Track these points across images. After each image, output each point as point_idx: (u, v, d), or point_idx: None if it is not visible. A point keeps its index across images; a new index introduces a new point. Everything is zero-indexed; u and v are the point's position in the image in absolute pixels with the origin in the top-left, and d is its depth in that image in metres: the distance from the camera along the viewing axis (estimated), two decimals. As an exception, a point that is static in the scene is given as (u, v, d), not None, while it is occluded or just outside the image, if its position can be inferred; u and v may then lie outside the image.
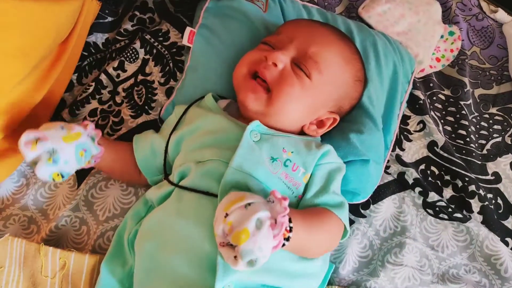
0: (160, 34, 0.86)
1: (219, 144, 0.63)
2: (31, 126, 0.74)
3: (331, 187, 0.63)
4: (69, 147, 0.60)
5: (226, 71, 0.74)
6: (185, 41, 0.79)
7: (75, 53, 0.82)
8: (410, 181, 0.79)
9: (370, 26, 0.91)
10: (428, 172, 0.82)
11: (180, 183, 0.61)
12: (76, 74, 0.85)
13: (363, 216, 0.76)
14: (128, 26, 0.88)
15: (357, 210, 0.76)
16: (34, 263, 0.66)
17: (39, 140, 0.58)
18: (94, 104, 0.81)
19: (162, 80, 0.83)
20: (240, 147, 0.60)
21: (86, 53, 0.86)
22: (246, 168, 0.58)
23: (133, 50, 0.84)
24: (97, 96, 0.82)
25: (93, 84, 0.81)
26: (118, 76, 0.83)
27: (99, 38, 0.88)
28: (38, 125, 0.76)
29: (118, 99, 0.82)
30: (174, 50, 0.85)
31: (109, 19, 0.89)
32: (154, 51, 0.85)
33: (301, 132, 0.70)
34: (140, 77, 0.83)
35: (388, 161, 0.81)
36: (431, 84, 0.89)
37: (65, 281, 0.66)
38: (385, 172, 0.80)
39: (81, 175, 0.75)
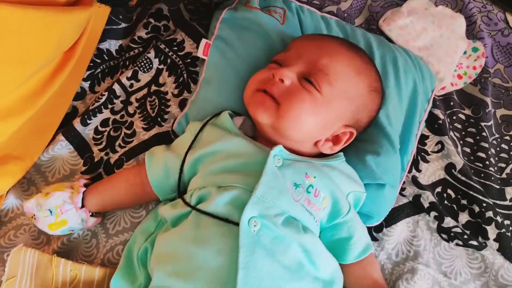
0: (174, 43, 0.85)
1: (241, 170, 0.62)
2: (38, 133, 0.75)
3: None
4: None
5: (240, 85, 0.73)
6: (200, 53, 0.78)
7: (83, 60, 0.82)
8: (426, 205, 0.77)
9: (390, 40, 0.89)
10: (445, 195, 0.80)
11: (198, 206, 0.61)
12: (88, 82, 0.84)
13: (375, 240, 0.75)
14: (142, 33, 0.87)
15: (369, 233, 0.75)
16: (46, 274, 0.67)
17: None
18: (106, 113, 0.81)
19: (175, 92, 0.82)
20: (264, 174, 0.59)
21: (99, 60, 0.86)
22: (269, 197, 0.58)
23: (147, 60, 0.83)
24: (110, 106, 0.81)
25: (106, 93, 0.81)
26: (131, 86, 0.82)
27: (113, 45, 0.87)
28: (44, 133, 0.77)
29: (130, 109, 0.82)
30: (189, 60, 0.84)
31: (123, 25, 0.88)
32: (169, 61, 0.84)
33: (321, 154, 0.69)
34: (153, 88, 0.83)
35: (404, 182, 0.80)
36: (452, 103, 0.87)
37: (75, 293, 0.67)
38: (400, 194, 0.79)
39: (92, 187, 0.76)
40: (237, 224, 0.56)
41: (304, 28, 0.84)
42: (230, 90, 0.76)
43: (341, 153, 0.70)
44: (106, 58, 0.87)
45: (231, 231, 0.56)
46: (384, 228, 0.76)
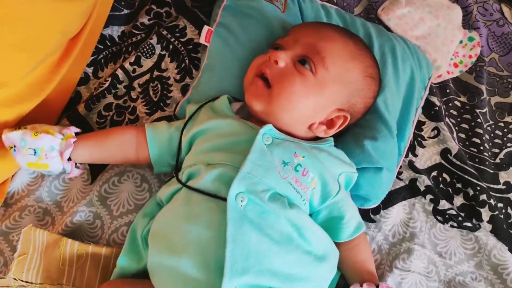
0: (177, 30, 0.87)
1: (230, 148, 0.64)
2: (43, 118, 0.77)
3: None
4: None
5: (242, 71, 0.75)
6: (202, 40, 0.80)
7: (88, 46, 0.83)
8: (422, 188, 0.80)
9: (388, 29, 0.91)
10: (440, 179, 0.83)
11: (188, 183, 0.63)
12: (92, 68, 0.86)
13: (373, 221, 0.78)
14: (144, 20, 0.88)
15: (367, 215, 0.78)
16: (53, 253, 0.69)
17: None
18: (109, 98, 0.83)
19: (177, 77, 0.84)
20: (252, 151, 0.61)
21: (101, 46, 0.87)
22: (256, 174, 0.60)
23: (150, 46, 0.85)
24: (113, 91, 0.83)
25: (109, 79, 0.82)
26: (134, 71, 0.84)
27: (115, 31, 0.89)
28: (49, 117, 0.78)
29: (133, 94, 0.84)
30: (191, 46, 0.86)
31: (125, 11, 0.90)
32: (171, 47, 0.86)
33: (314, 138, 0.71)
34: (156, 73, 0.85)
35: (401, 166, 0.82)
36: (448, 90, 0.90)
37: (82, 272, 0.69)
38: (397, 177, 0.81)
39: (95, 170, 0.77)
40: (225, 199, 0.58)
41: (305, 16, 0.86)
42: (231, 77, 0.78)
43: (331, 138, 0.72)
44: (108, 44, 0.88)
45: (219, 206, 0.58)
46: (382, 210, 0.78)
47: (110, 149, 0.72)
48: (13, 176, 0.76)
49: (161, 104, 0.83)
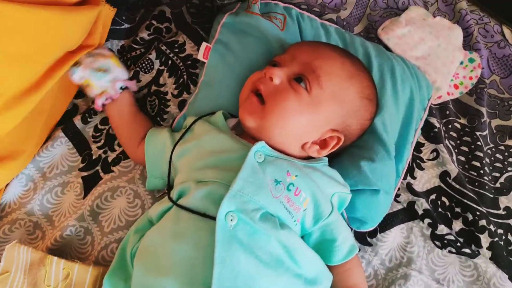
0: (176, 45, 0.87)
1: (222, 165, 0.63)
2: (36, 128, 0.77)
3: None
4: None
5: (239, 88, 0.75)
6: (200, 56, 0.80)
7: None
8: (420, 212, 0.79)
9: (388, 48, 0.91)
10: (439, 202, 0.82)
11: (178, 201, 0.62)
12: (89, 81, 0.86)
13: (369, 245, 0.76)
14: (144, 35, 0.89)
15: (363, 238, 0.76)
16: (38, 271, 0.68)
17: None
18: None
19: (175, 92, 0.84)
20: (243, 168, 0.60)
21: (101, 60, 0.87)
22: (247, 192, 0.58)
23: (148, 61, 0.85)
24: (110, 106, 0.83)
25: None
26: (132, 86, 0.84)
27: (115, 45, 0.89)
28: (43, 128, 0.78)
29: (130, 108, 0.83)
30: (189, 62, 0.86)
31: (126, 25, 0.90)
32: (169, 62, 0.86)
33: (307, 157, 0.70)
34: (153, 88, 0.84)
35: (399, 189, 0.81)
36: (448, 112, 0.89)
37: (67, 291, 0.68)
38: (395, 200, 0.80)
39: (88, 184, 0.77)
40: (214, 218, 0.56)
41: (304, 35, 0.86)
42: (228, 93, 0.77)
43: (325, 158, 0.71)
44: (107, 58, 0.88)
45: (208, 226, 0.56)
46: (378, 234, 0.77)
47: (129, 125, 0.78)
48: (6, 187, 0.76)
49: (158, 118, 0.82)
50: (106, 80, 0.76)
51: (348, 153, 0.76)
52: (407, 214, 0.79)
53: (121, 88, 0.78)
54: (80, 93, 0.85)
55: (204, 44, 0.81)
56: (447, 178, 0.82)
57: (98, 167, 0.79)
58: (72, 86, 0.83)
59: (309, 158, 0.70)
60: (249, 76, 0.72)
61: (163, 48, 0.86)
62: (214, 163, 0.64)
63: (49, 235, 0.73)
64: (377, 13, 0.97)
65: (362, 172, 0.73)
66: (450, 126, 0.88)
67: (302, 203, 0.62)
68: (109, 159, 0.79)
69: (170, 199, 0.64)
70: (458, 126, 0.89)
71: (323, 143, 0.68)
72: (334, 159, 0.74)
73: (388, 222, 0.78)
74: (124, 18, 0.90)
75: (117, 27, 0.89)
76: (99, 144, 0.81)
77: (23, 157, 0.76)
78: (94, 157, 0.80)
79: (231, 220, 0.56)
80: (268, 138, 0.66)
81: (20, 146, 0.74)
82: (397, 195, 0.81)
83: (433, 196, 0.82)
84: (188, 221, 0.59)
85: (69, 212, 0.75)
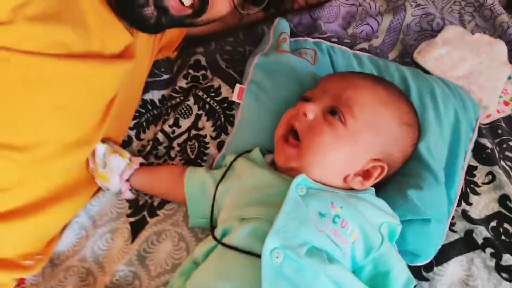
0: (212, 90, 0.91)
1: (264, 201, 0.63)
2: (86, 178, 0.82)
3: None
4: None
5: (274, 126, 0.75)
6: (234, 98, 0.83)
7: (130, 110, 0.90)
8: (480, 241, 0.73)
9: (426, 72, 0.88)
10: (501, 229, 0.75)
11: (223, 240, 0.62)
12: (134, 130, 0.91)
13: (426, 280, 0.71)
14: (182, 83, 0.94)
15: (418, 273, 0.71)
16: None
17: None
18: (150, 159, 0.87)
19: (213, 134, 0.87)
20: (285, 204, 0.59)
21: (143, 110, 0.93)
22: (291, 227, 0.58)
23: (187, 107, 0.89)
24: (154, 152, 0.87)
25: (151, 142, 0.87)
26: (173, 132, 0.88)
27: (156, 95, 0.95)
28: (92, 177, 0.84)
29: (172, 153, 0.87)
30: (225, 105, 0.89)
31: (165, 76, 0.96)
32: (207, 106, 0.90)
33: (351, 188, 0.68)
34: (193, 132, 0.88)
35: (453, 217, 0.76)
36: (500, 131, 0.83)
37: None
38: (450, 229, 0.75)
39: (136, 229, 0.80)
40: (259, 256, 0.56)
41: (336, 66, 0.87)
42: (264, 131, 0.79)
43: (372, 188, 0.68)
44: (150, 107, 0.94)
45: (253, 264, 0.56)
46: (435, 267, 0.71)
47: (157, 182, 0.80)
48: (61, 236, 0.81)
49: (198, 160, 0.85)
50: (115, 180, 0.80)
51: (394, 182, 0.73)
52: (466, 244, 0.74)
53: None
54: (126, 142, 0.90)
55: (237, 86, 0.84)
56: (508, 202, 0.76)
57: (145, 212, 0.82)
58: (118, 136, 0.89)
59: (353, 189, 0.68)
60: (283, 112, 0.73)
61: (200, 93, 0.91)
62: (256, 199, 0.64)
63: (100, 281, 0.76)
64: (411, 37, 0.96)
65: (409, 201, 0.70)
66: (504, 146, 0.82)
67: (349, 235, 0.60)
68: (155, 204, 0.83)
69: (214, 237, 0.64)
70: (514, 145, 0.83)
71: (366, 174, 0.67)
72: (379, 189, 0.71)
73: (444, 254, 0.72)
74: (163, 69, 0.96)
75: (157, 79, 0.95)
76: (145, 190, 0.84)
77: (75, 205, 0.81)
78: (140, 202, 0.83)
79: (277, 257, 0.56)
80: (308, 173, 0.65)
81: (73, 193, 0.80)
82: (452, 224, 0.75)
83: (493, 223, 0.75)
84: (234, 259, 0.59)
85: (118, 258, 0.78)
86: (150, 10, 0.71)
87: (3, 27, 0.59)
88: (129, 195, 0.81)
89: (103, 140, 0.82)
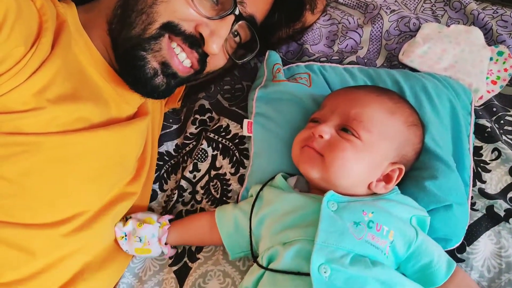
0: (221, 129, 0.99)
1: (300, 223, 0.70)
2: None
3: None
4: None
5: (287, 150, 0.83)
6: (245, 132, 0.91)
7: (151, 167, 0.97)
8: (502, 213, 0.80)
9: (415, 70, 0.97)
10: (519, 198, 0.82)
11: (270, 266, 0.68)
12: (157, 184, 0.99)
13: (462, 260, 0.77)
14: (192, 129, 1.02)
15: (453, 256, 0.77)
16: None
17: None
18: (178, 207, 0.94)
19: (232, 171, 0.95)
20: (321, 220, 0.66)
21: (161, 163, 1.01)
22: (332, 241, 0.64)
23: (202, 151, 0.97)
24: (180, 200, 0.94)
25: (176, 191, 0.94)
26: (194, 177, 0.96)
27: (170, 146, 1.03)
28: None
29: (198, 197, 0.94)
30: (237, 140, 0.97)
31: (174, 126, 1.05)
32: (220, 146, 0.98)
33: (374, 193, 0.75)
34: (213, 172, 0.95)
35: (472, 197, 0.83)
36: (494, 109, 0.91)
37: None
38: (472, 209, 0.81)
39: (181, 276, 0.86)
40: (309, 274, 0.62)
41: (331, 83, 0.96)
42: (279, 157, 0.86)
43: (395, 187, 0.76)
44: (166, 159, 1.02)
45: (305, 282, 0.62)
46: (467, 247, 0.78)
47: (191, 233, 0.86)
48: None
49: (224, 198, 0.92)
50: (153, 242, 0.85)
51: (410, 178, 0.80)
52: (490, 219, 0.80)
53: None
54: (152, 197, 0.98)
55: (245, 121, 0.92)
56: (518, 172, 0.83)
57: (185, 258, 0.88)
58: (146, 193, 0.96)
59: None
60: (293, 135, 0.81)
61: (211, 135, 0.99)
62: (292, 223, 0.70)
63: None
64: (393, 41, 1.05)
65: (428, 191, 0.77)
66: (502, 122, 0.90)
67: (387, 236, 0.67)
68: (193, 248, 0.89)
69: (260, 266, 0.70)
70: (511, 118, 0.91)
71: (387, 178, 0.74)
72: (399, 188, 0.78)
73: (473, 233, 0.79)
74: (171, 121, 1.05)
75: (168, 130, 1.04)
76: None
77: (121, 264, 0.88)
78: (179, 250, 0.90)
79: (325, 272, 0.62)
80: (335, 188, 0.72)
81: (116, 252, 0.86)
82: (473, 204, 0.82)
83: (510, 194, 0.83)
84: (285, 282, 0.65)
85: (171, 305, 0.84)
86: (159, 79, 0.79)
87: (30, 113, 0.65)
88: (172, 252, 0.88)
89: (125, 217, 0.87)
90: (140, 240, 0.83)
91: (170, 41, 0.78)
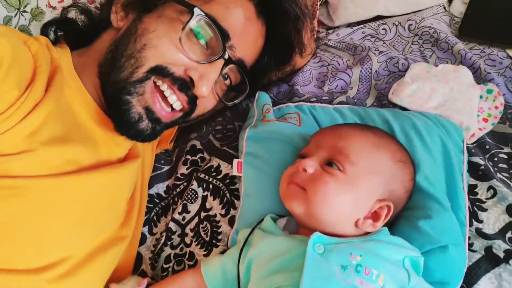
0: (212, 170, 0.98)
1: (286, 267, 0.67)
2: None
3: None
4: None
5: (277, 189, 0.81)
6: (234, 172, 0.90)
7: (141, 210, 0.96)
8: (501, 254, 0.76)
9: (405, 109, 0.98)
10: (518, 239, 0.79)
11: None
12: (147, 226, 0.97)
13: (462, 306, 0.74)
14: (183, 170, 1.01)
15: (453, 300, 0.74)
16: None
17: None
18: (167, 250, 0.91)
19: (223, 212, 0.93)
20: (306, 265, 0.63)
21: (151, 205, 1.00)
22: (318, 287, 0.62)
23: (192, 191, 0.96)
24: (168, 243, 0.92)
25: (164, 234, 0.92)
26: (183, 219, 0.94)
27: (160, 188, 1.02)
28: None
29: (187, 239, 0.92)
30: (228, 181, 0.96)
31: (166, 168, 1.05)
32: (211, 186, 0.96)
33: (366, 233, 0.73)
34: (203, 214, 0.94)
35: (470, 237, 0.80)
36: (487, 146, 0.90)
37: None
38: (470, 250, 0.78)
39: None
40: None
41: (321, 123, 0.96)
42: (270, 197, 0.85)
43: (385, 228, 0.73)
44: (157, 201, 1.01)
45: None
46: (467, 291, 0.75)
47: None
48: None
49: (213, 241, 0.90)
50: None
51: (403, 218, 0.78)
52: (489, 261, 0.77)
53: None
54: (141, 240, 0.95)
55: (235, 161, 0.91)
56: (515, 211, 0.81)
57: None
58: (136, 237, 0.94)
59: (368, 233, 0.73)
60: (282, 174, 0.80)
61: (202, 175, 0.98)
62: (278, 267, 0.68)
63: None
64: (382, 81, 1.07)
65: (422, 232, 0.75)
66: (496, 159, 0.89)
67: (376, 281, 0.63)
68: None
69: None
70: (504, 156, 0.90)
71: (375, 216, 0.72)
72: (391, 228, 0.76)
73: (472, 276, 0.75)
74: (162, 162, 1.05)
75: (159, 172, 1.03)
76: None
77: None
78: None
79: None
80: (321, 226, 0.70)
81: None
82: (470, 245, 0.79)
83: (509, 234, 0.80)
84: None
85: None
86: (144, 124, 0.80)
87: (20, 156, 0.65)
88: None
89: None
90: None
91: (159, 84, 0.79)
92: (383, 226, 0.74)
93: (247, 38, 0.86)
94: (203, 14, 0.78)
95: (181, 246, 0.92)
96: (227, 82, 0.90)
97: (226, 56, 0.81)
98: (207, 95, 0.81)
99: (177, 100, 0.81)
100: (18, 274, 0.68)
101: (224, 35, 0.80)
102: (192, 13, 0.77)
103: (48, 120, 0.68)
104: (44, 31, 0.89)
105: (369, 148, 0.74)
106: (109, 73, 0.79)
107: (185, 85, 0.80)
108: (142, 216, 0.97)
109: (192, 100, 0.83)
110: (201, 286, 0.79)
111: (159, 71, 0.78)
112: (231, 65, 0.84)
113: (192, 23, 0.78)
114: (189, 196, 0.96)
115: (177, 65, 0.78)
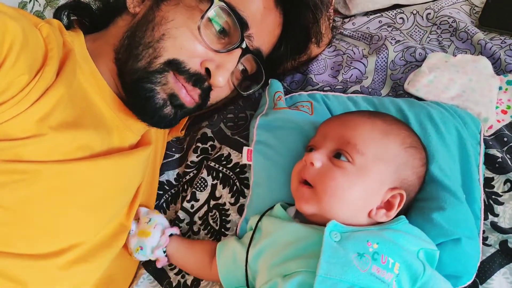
0: (222, 158, 0.98)
1: (302, 254, 0.67)
2: (123, 271, 0.87)
3: None
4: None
5: (287, 179, 0.81)
6: (244, 160, 0.90)
7: (151, 196, 0.97)
8: (517, 249, 0.75)
9: (421, 99, 0.96)
10: (535, 233, 0.77)
11: None
12: (156, 213, 0.98)
13: (474, 300, 0.72)
14: (193, 158, 1.02)
15: (465, 294, 0.73)
16: None
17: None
18: (174, 238, 0.93)
19: (232, 200, 0.93)
20: (323, 252, 0.63)
21: (161, 192, 1.01)
22: (334, 273, 0.61)
23: (202, 180, 0.96)
24: (176, 230, 0.93)
25: (172, 221, 0.93)
26: (192, 207, 0.94)
27: (171, 175, 1.03)
28: (128, 271, 0.89)
29: (195, 228, 0.93)
30: (238, 169, 0.95)
31: (177, 156, 1.05)
32: (220, 175, 0.97)
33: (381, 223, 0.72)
34: (212, 202, 0.94)
35: (484, 231, 0.79)
36: (505, 139, 0.88)
37: None
38: (484, 244, 0.77)
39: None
40: None
41: (333, 112, 0.95)
42: (279, 187, 0.84)
43: (403, 216, 0.72)
44: (167, 188, 1.02)
45: None
46: (480, 286, 0.73)
47: (192, 254, 0.87)
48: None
49: (222, 230, 0.90)
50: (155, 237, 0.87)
51: (416, 209, 0.77)
52: (504, 255, 0.75)
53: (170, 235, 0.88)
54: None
55: (245, 148, 0.91)
56: (533, 205, 0.79)
57: (181, 292, 0.86)
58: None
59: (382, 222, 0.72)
60: (293, 164, 0.79)
61: (212, 164, 0.98)
62: (293, 254, 0.68)
63: None
64: (398, 71, 1.05)
65: (436, 224, 0.73)
66: (514, 152, 0.87)
67: (392, 269, 0.63)
68: (188, 282, 0.87)
69: None
70: (523, 148, 0.88)
71: (388, 205, 0.71)
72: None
73: (485, 270, 0.74)
74: (173, 149, 1.05)
75: (170, 159, 1.04)
76: (175, 271, 0.90)
77: None
78: (174, 284, 0.87)
79: None
80: (335, 217, 0.69)
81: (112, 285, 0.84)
82: (485, 239, 0.78)
83: (526, 229, 0.78)
84: None
85: None
86: (168, 109, 0.81)
87: (31, 140, 0.66)
88: (163, 256, 0.86)
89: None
90: (150, 220, 0.87)
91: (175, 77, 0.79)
92: (399, 214, 0.73)
93: (265, 28, 0.85)
94: (223, 2, 0.77)
95: (189, 234, 0.93)
96: (243, 71, 0.90)
97: (244, 46, 0.81)
98: (223, 86, 0.81)
99: (187, 95, 0.82)
100: (29, 259, 0.70)
101: (243, 24, 0.79)
102: (211, 1, 0.77)
103: (59, 105, 0.69)
104: (57, 15, 0.89)
105: (377, 135, 0.72)
106: (126, 60, 0.79)
107: (199, 79, 0.80)
108: (152, 203, 0.98)
109: (205, 92, 0.83)
110: (213, 261, 0.82)
111: (175, 67, 0.78)
112: (248, 55, 0.83)
113: (211, 12, 0.77)
114: (198, 185, 0.97)
115: (194, 58, 0.78)
